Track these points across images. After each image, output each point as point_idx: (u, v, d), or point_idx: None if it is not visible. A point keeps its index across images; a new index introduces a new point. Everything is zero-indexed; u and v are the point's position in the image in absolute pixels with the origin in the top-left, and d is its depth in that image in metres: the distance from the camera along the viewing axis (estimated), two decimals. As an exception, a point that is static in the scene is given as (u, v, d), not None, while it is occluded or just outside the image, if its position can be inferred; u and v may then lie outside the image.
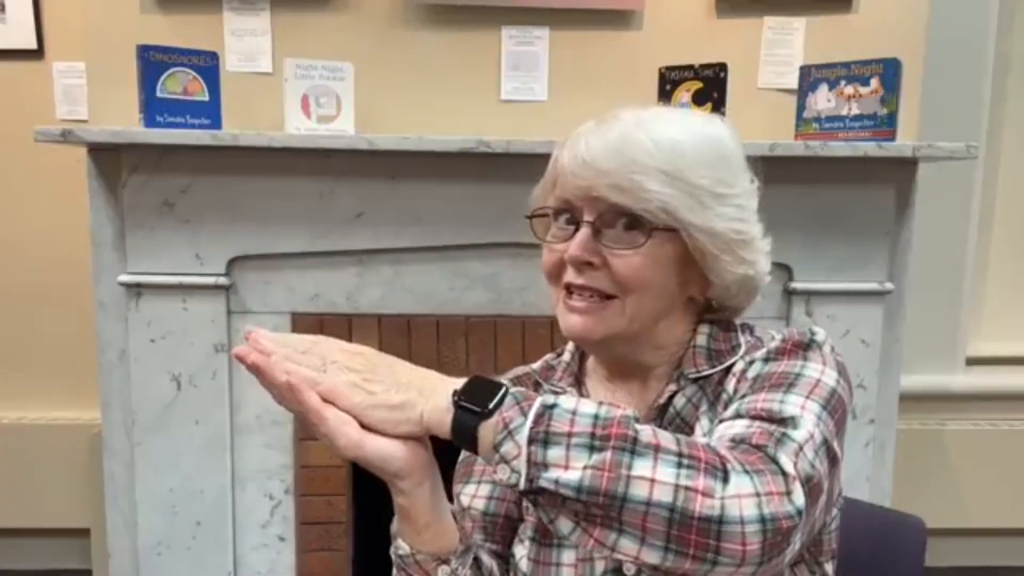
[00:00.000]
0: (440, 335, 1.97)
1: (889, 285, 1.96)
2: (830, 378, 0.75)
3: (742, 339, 0.86)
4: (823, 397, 0.72)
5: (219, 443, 1.96)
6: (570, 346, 0.94)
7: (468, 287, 1.96)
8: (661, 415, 0.84)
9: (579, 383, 0.91)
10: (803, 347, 0.80)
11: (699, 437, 0.80)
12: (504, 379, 0.89)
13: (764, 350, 0.82)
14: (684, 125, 0.81)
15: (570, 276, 0.81)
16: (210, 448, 1.96)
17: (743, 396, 0.76)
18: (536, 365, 0.97)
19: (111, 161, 1.88)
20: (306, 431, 0.65)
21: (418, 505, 0.71)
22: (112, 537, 2.03)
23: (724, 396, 0.82)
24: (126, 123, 1.83)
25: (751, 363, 0.81)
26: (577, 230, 0.80)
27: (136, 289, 1.90)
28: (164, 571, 1.99)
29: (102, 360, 1.98)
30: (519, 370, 0.97)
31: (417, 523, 0.72)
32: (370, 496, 1.87)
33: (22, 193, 2.36)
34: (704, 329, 0.86)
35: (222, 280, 1.90)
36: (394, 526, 0.75)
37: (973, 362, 2.59)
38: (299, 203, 1.89)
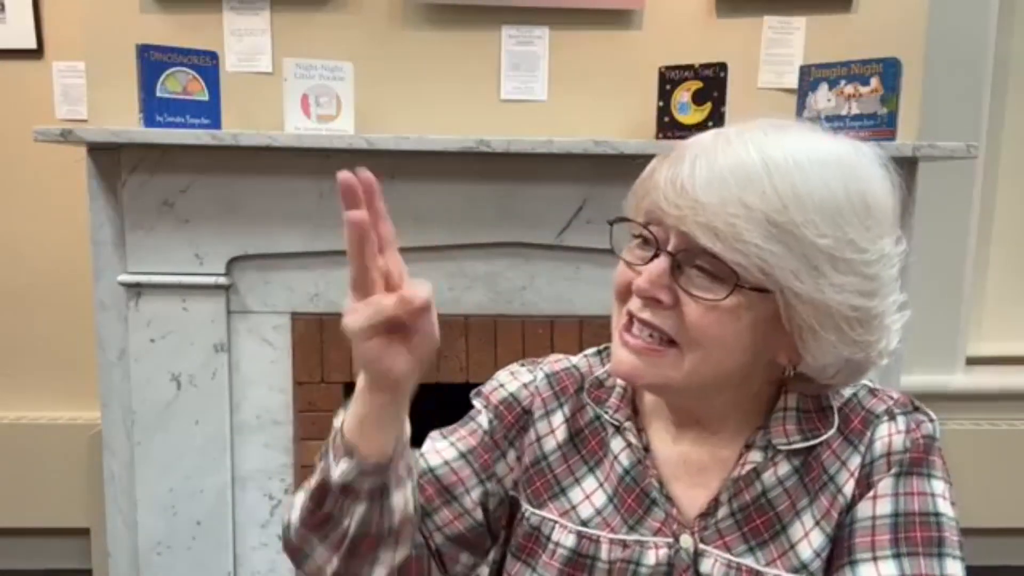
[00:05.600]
0: (439, 335, 1.97)
1: (889, 285, 1.96)
2: (951, 503, 0.70)
3: (834, 400, 0.74)
4: (960, 541, 0.69)
5: (219, 443, 1.96)
6: None
7: (468, 287, 1.96)
8: (737, 485, 0.73)
9: (635, 412, 0.79)
10: (928, 451, 0.72)
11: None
12: (541, 371, 0.84)
13: (883, 441, 0.71)
14: (818, 156, 0.64)
15: (634, 306, 0.69)
16: (210, 448, 1.96)
17: (879, 529, 0.69)
18: (578, 362, 0.84)
19: (111, 161, 1.88)
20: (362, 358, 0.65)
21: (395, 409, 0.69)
22: (112, 537, 2.03)
23: (829, 486, 0.71)
24: (126, 123, 1.83)
25: (872, 463, 0.71)
26: (655, 256, 0.67)
27: (136, 289, 1.90)
28: (164, 571, 1.99)
29: (102, 360, 1.98)
30: (559, 365, 0.84)
31: (384, 427, 0.69)
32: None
33: (22, 193, 2.35)
34: (793, 392, 0.74)
35: (222, 280, 1.90)
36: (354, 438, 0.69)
37: (973, 362, 2.59)
38: (299, 203, 1.89)
